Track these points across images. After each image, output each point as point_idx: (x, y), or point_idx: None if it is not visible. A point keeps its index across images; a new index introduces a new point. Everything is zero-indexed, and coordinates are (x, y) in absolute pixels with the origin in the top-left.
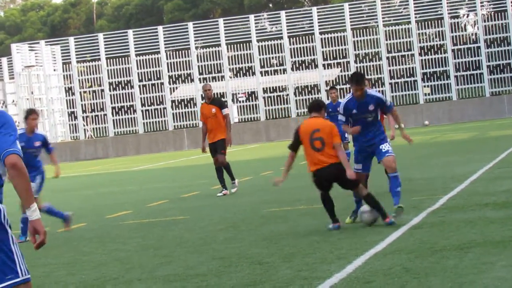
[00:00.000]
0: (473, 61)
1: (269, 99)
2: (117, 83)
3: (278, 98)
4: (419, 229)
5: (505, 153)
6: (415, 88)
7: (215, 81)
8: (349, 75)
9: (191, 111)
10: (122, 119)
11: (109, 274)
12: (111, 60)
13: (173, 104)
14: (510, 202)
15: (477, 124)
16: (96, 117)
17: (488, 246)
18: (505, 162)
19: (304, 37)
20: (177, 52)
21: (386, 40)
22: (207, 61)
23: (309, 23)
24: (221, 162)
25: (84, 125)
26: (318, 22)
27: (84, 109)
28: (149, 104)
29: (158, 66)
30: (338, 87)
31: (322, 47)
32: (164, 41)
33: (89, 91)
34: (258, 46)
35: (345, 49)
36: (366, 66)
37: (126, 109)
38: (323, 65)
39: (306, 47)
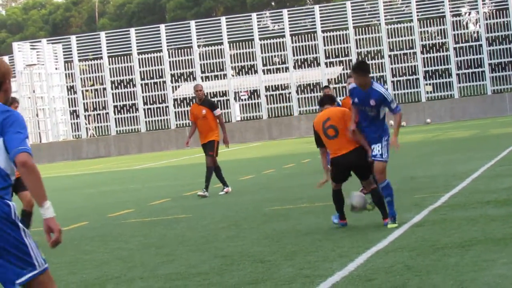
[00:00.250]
0: (475, 59)
1: (271, 97)
2: (119, 81)
3: (280, 96)
4: (421, 227)
5: (506, 151)
6: (417, 86)
7: (217, 79)
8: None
9: None
10: (124, 117)
11: (110, 273)
12: (113, 58)
13: (175, 102)
14: (511, 199)
15: (478, 122)
16: (98, 116)
17: (489, 243)
18: (506, 160)
19: (306, 35)
20: (179, 50)
21: (388, 38)
22: (209, 59)
23: (311, 21)
24: (208, 163)
25: (86, 124)
26: (320, 20)
27: (86, 107)
28: (151, 102)
29: (160, 65)
30: (339, 85)
31: (324, 45)
32: (166, 39)
33: (91, 90)
34: (260, 45)
35: (347, 47)
36: (368, 64)
37: (128, 108)
38: (325, 63)
39: (308, 45)
